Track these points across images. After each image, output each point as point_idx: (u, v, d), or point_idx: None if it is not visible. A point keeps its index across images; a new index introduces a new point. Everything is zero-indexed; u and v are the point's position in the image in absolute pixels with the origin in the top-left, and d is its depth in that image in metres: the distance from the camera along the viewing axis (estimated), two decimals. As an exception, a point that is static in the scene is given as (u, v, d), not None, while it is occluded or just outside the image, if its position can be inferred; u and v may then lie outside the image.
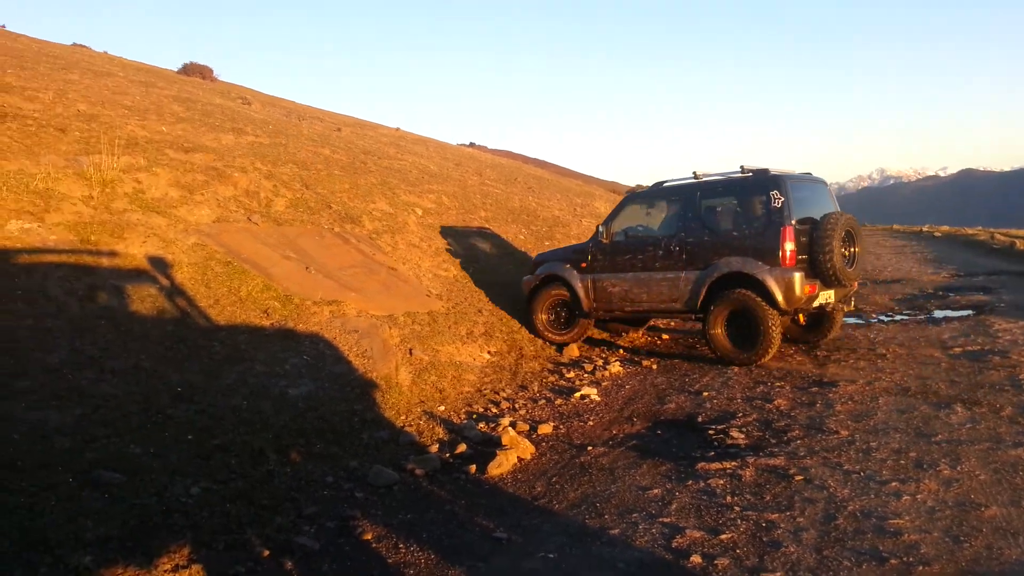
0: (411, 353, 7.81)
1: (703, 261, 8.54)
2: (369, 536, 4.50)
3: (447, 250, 11.77)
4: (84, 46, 26.36)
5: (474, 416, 7.04)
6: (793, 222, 8.03)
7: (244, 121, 15.29)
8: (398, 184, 14.05)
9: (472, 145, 53.25)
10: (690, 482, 5.06)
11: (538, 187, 23.10)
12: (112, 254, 7.06)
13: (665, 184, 9.39)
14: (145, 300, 6.61)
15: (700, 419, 6.56)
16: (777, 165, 8.67)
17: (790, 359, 8.50)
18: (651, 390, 7.73)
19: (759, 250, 8.14)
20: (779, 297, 7.95)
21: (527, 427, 6.67)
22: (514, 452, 5.89)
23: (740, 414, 6.58)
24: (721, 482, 5.00)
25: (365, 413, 6.46)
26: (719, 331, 8.39)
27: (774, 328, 8.06)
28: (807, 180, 8.89)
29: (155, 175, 9.14)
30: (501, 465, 5.66)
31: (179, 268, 7.37)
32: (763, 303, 8.05)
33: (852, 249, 8.55)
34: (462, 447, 6.09)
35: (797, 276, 7.94)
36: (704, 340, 8.76)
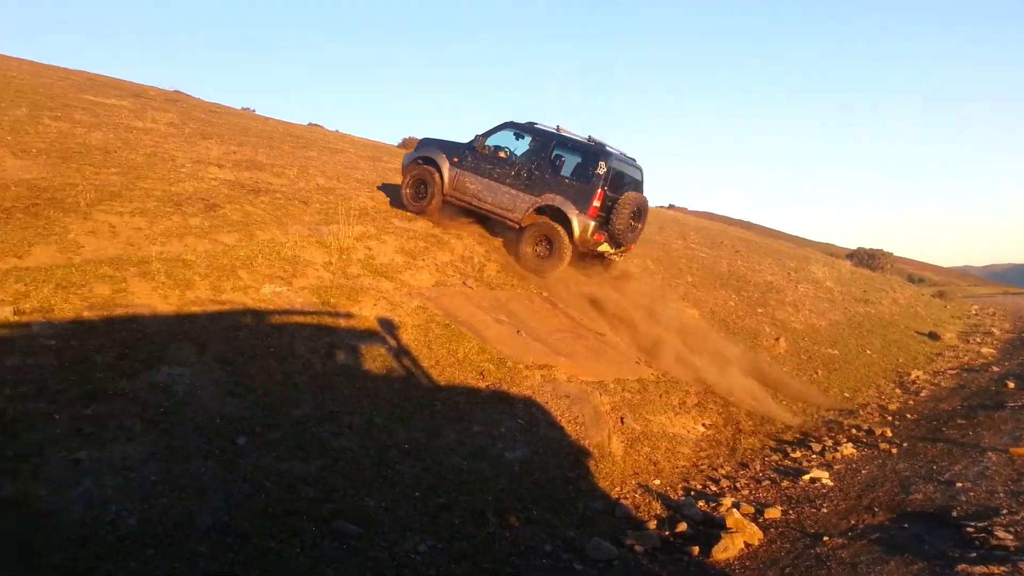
0: (623, 422, 7.62)
1: (538, 191, 11.03)
2: (593, 613, 4.32)
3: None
4: (318, 125, 29.73)
5: (692, 493, 6.67)
6: (605, 188, 10.63)
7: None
8: (602, 249, 14.11)
9: (671, 207, 52.83)
10: (952, 587, 4.39)
11: (746, 250, 22.29)
12: (348, 315, 7.62)
13: (536, 125, 11.59)
14: (376, 359, 7.03)
15: (954, 513, 5.72)
16: (617, 145, 11.10)
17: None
18: (892, 476, 6.90)
19: (576, 199, 10.74)
20: (576, 233, 10.67)
21: (752, 509, 6.18)
22: (740, 536, 5.47)
23: (1004, 510, 5.65)
24: (991, 590, 4.29)
25: (579, 482, 6.34)
26: (529, 249, 11.02)
27: (566, 253, 10.77)
28: (631, 164, 11.52)
29: (383, 242, 9.87)
30: (727, 549, 5.27)
31: (404, 329, 7.80)
32: (564, 234, 10.70)
33: (639, 223, 11.36)
34: (682, 526, 5.76)
35: (592, 224, 10.64)
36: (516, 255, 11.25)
